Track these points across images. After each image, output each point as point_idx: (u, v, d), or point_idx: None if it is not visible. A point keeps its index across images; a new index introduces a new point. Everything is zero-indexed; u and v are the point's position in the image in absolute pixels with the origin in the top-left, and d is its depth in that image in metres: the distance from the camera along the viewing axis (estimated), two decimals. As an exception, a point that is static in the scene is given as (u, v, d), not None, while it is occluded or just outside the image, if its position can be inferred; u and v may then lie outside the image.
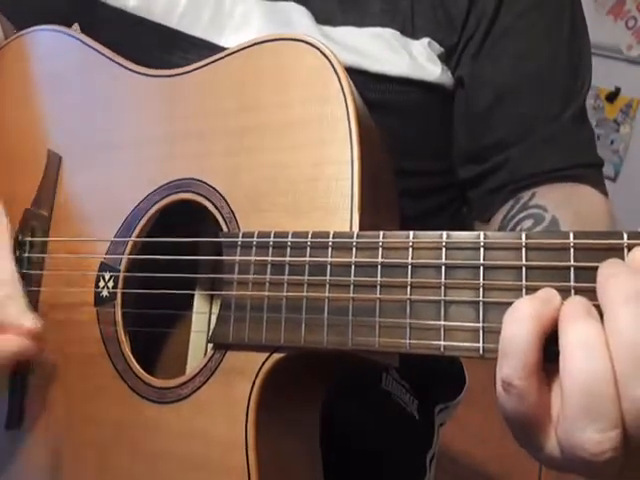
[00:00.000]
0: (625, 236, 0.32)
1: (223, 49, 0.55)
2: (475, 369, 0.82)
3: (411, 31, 0.56)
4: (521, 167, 0.55)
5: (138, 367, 0.48)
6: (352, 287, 0.38)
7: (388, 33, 0.55)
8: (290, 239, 0.41)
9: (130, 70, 0.55)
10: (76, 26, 0.66)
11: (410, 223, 0.51)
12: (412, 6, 0.56)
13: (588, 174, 0.56)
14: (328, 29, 0.56)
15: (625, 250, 0.32)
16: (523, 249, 0.34)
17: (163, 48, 0.58)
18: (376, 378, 0.65)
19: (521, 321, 0.31)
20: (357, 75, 0.45)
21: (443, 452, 0.76)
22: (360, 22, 0.56)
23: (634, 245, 0.32)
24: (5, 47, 0.63)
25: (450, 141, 0.60)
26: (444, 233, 0.36)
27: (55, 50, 0.60)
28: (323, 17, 0.56)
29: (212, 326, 0.54)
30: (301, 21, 0.56)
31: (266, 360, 0.41)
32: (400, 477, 0.65)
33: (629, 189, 2.17)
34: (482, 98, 0.56)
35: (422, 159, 0.60)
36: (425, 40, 0.55)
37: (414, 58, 0.55)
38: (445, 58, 0.57)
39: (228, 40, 0.56)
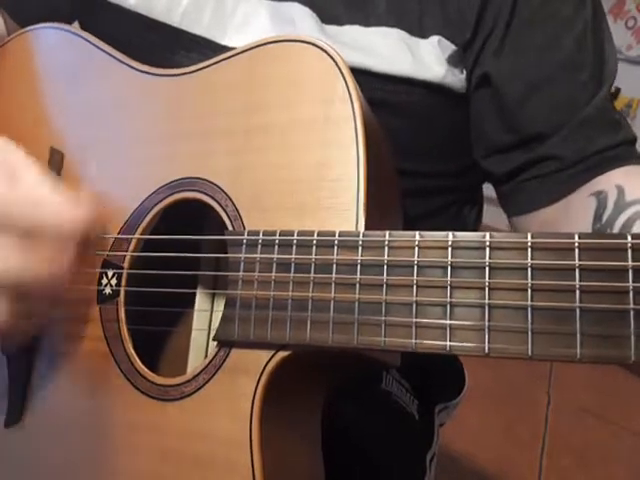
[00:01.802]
0: (629, 237, 0.32)
1: (226, 48, 0.55)
2: (475, 369, 0.83)
3: (419, 30, 0.55)
4: (567, 153, 0.54)
5: (141, 365, 0.48)
6: (358, 286, 0.38)
7: (395, 33, 0.55)
8: (296, 237, 0.41)
9: (134, 69, 0.55)
10: (76, 24, 0.66)
11: (411, 224, 0.51)
12: (420, 5, 0.55)
13: (633, 151, 0.55)
14: (333, 28, 0.56)
15: (629, 250, 0.32)
16: (529, 249, 0.34)
17: (166, 47, 0.58)
18: (377, 378, 0.65)
19: None
20: (361, 74, 0.45)
21: (443, 452, 0.77)
22: (366, 22, 0.56)
23: (638, 246, 0.32)
24: (8, 43, 0.63)
25: (457, 143, 0.60)
26: (450, 233, 0.37)
27: (59, 48, 0.60)
28: (328, 17, 0.56)
29: (213, 324, 0.54)
30: (304, 21, 0.55)
31: (271, 358, 0.41)
32: (400, 477, 0.65)
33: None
34: (514, 92, 0.55)
35: (424, 160, 0.60)
36: (435, 38, 0.55)
37: (419, 58, 0.55)
38: (459, 56, 0.56)
39: (231, 39, 0.56)
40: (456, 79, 0.56)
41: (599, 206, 0.50)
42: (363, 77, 0.45)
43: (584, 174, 0.54)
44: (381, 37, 0.55)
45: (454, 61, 0.56)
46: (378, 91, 0.53)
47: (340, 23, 0.56)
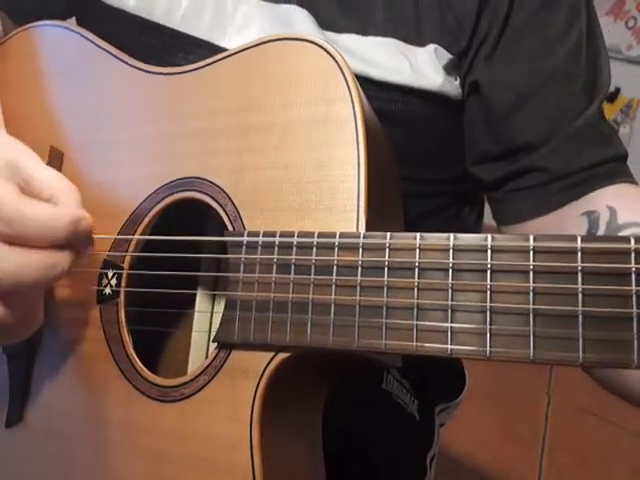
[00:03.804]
0: (632, 240, 0.32)
1: (225, 51, 0.55)
2: (476, 370, 0.83)
3: (416, 38, 0.55)
4: (554, 165, 0.53)
5: (141, 365, 0.48)
6: (359, 288, 0.38)
7: (391, 42, 0.55)
8: (296, 239, 0.41)
9: (134, 67, 0.55)
10: (72, 21, 0.66)
11: (410, 224, 0.51)
12: (417, 13, 0.55)
13: (623, 168, 0.55)
14: (331, 35, 0.56)
15: (632, 254, 0.32)
16: (531, 252, 0.34)
17: (165, 49, 0.58)
18: (377, 378, 0.65)
19: None
20: (361, 82, 0.45)
21: (443, 452, 0.77)
22: (363, 31, 0.55)
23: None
24: (8, 41, 0.63)
25: (456, 149, 0.60)
26: (452, 235, 0.36)
27: (59, 46, 0.60)
28: (326, 22, 0.56)
29: (214, 325, 0.54)
30: (303, 24, 0.55)
31: (271, 360, 0.41)
32: (400, 477, 0.65)
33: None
34: (503, 100, 0.55)
35: (421, 167, 0.60)
36: (431, 47, 0.55)
37: (417, 66, 0.54)
38: (454, 65, 0.56)
39: (230, 41, 0.56)
40: (452, 87, 0.56)
41: (591, 226, 0.50)
42: (362, 85, 0.45)
43: (573, 189, 0.53)
44: (378, 47, 0.54)
45: (449, 69, 0.56)
46: (376, 100, 0.52)
47: (337, 31, 0.56)
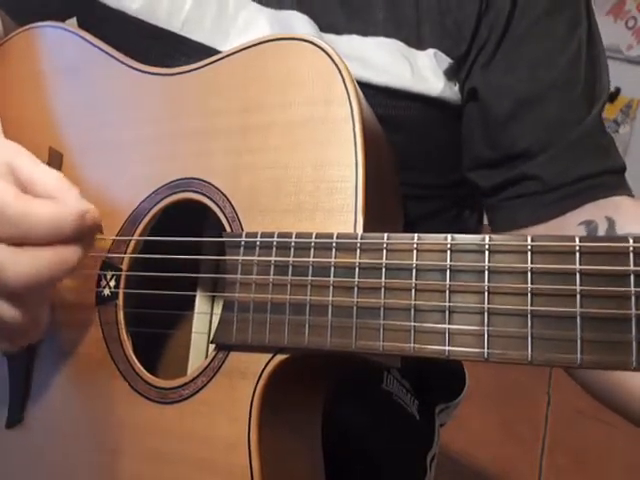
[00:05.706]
0: (631, 240, 0.32)
1: None
2: (475, 370, 0.83)
3: (416, 41, 0.55)
4: (549, 175, 0.53)
5: (140, 367, 0.48)
6: (356, 289, 0.38)
7: (392, 43, 0.54)
8: (294, 240, 0.41)
9: (132, 68, 0.55)
10: (73, 21, 0.66)
11: (409, 225, 0.51)
12: (417, 15, 0.55)
13: (621, 181, 0.54)
14: (331, 37, 0.55)
15: (631, 255, 0.32)
16: (528, 252, 0.34)
17: (166, 54, 0.58)
18: (377, 378, 0.65)
19: None
20: (360, 87, 0.45)
21: (443, 452, 0.77)
22: (364, 31, 0.55)
23: (640, 249, 0.32)
24: (8, 42, 0.63)
25: (455, 154, 0.60)
26: (449, 236, 0.36)
27: (59, 47, 0.60)
28: (326, 25, 0.56)
29: (213, 327, 0.54)
30: (303, 29, 0.55)
31: (269, 361, 0.41)
32: (400, 477, 0.65)
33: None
34: (501, 107, 0.54)
35: (420, 172, 0.60)
36: (431, 51, 0.54)
37: (417, 70, 0.54)
38: (454, 70, 0.56)
39: (232, 45, 0.56)
40: (452, 92, 0.56)
41: (589, 235, 0.50)
42: (361, 90, 0.45)
43: (568, 200, 0.53)
44: (379, 47, 0.54)
45: (450, 74, 0.56)
46: (376, 106, 0.52)
47: (338, 32, 0.55)
